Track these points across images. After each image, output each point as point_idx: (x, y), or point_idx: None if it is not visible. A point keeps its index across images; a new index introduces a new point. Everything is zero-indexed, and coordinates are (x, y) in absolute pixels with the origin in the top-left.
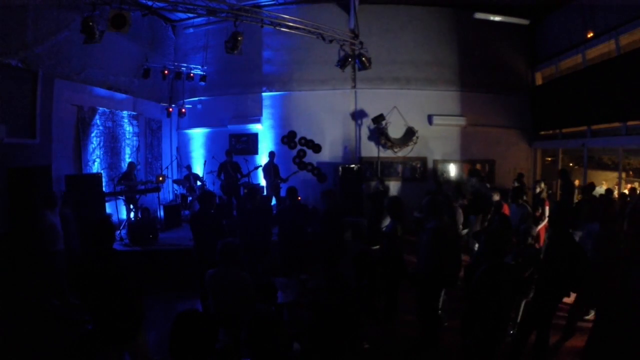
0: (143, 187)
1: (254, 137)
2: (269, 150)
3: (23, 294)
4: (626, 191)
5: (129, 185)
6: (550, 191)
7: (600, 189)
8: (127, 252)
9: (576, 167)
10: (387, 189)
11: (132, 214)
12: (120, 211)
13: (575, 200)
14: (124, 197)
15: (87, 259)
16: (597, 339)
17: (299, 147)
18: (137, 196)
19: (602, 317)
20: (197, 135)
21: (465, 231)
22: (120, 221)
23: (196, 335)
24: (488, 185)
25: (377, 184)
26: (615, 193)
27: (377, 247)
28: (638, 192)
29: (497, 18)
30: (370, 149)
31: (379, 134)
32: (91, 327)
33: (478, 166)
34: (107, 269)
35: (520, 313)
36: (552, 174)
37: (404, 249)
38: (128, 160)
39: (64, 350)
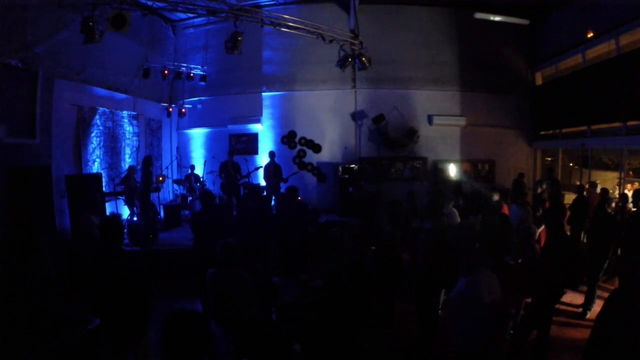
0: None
1: (254, 137)
2: (269, 150)
3: (23, 295)
4: (627, 191)
5: (129, 186)
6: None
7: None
8: (127, 252)
9: (576, 167)
10: (374, 192)
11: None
12: (120, 211)
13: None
14: (124, 198)
15: (96, 259)
16: (598, 338)
17: (299, 147)
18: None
19: (604, 316)
20: (197, 135)
21: None
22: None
23: (189, 335)
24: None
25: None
26: (616, 193)
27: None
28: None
29: (497, 18)
30: (370, 149)
31: (379, 134)
32: (92, 327)
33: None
34: (117, 269)
35: (521, 313)
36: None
37: (402, 250)
38: (128, 160)
39: (64, 351)
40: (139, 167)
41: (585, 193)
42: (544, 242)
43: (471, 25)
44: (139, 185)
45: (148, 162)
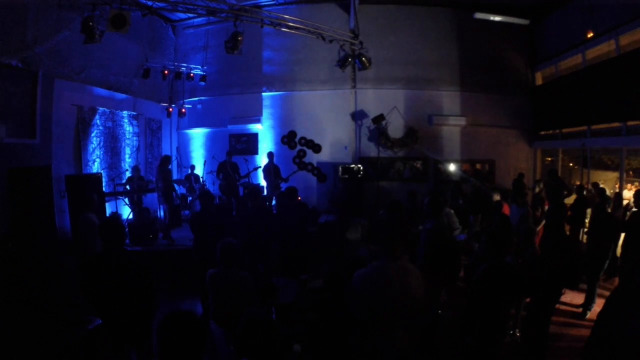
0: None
1: (254, 137)
2: (267, 151)
3: (24, 295)
4: (626, 191)
5: (139, 185)
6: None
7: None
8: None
9: (576, 167)
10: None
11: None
12: (120, 211)
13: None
14: (127, 198)
15: (98, 259)
16: (598, 338)
17: (299, 147)
18: (136, 196)
19: (604, 316)
20: (197, 135)
21: (457, 231)
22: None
23: (184, 337)
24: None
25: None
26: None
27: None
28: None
29: (497, 18)
30: (370, 149)
31: (379, 134)
32: (92, 327)
33: (478, 166)
34: (120, 269)
35: (521, 313)
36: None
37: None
38: (128, 160)
39: (64, 350)
40: (154, 166)
41: (585, 193)
42: (541, 239)
43: (471, 25)
44: (159, 183)
45: (166, 161)
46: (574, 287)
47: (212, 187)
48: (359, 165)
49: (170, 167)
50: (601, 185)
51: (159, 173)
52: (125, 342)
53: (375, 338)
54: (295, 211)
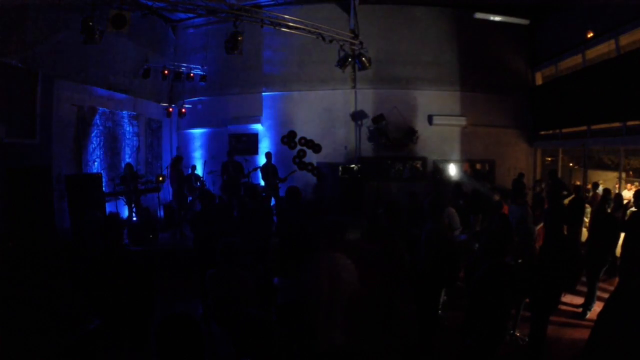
0: (143, 187)
1: (254, 137)
2: (265, 152)
3: (24, 295)
4: (626, 191)
5: (133, 184)
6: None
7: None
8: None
9: (576, 167)
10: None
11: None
12: (120, 211)
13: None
14: (124, 198)
15: (98, 258)
16: (598, 338)
17: (298, 147)
18: (133, 196)
19: (604, 316)
20: (197, 135)
21: (457, 231)
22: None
23: (181, 340)
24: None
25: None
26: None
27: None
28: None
29: (497, 18)
30: (370, 149)
31: (379, 134)
32: (93, 327)
33: (478, 166)
34: (119, 268)
35: (520, 312)
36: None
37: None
38: (128, 160)
39: (64, 350)
40: (165, 167)
41: (589, 193)
42: (542, 241)
43: (471, 25)
44: (174, 184)
45: (178, 162)
46: (571, 289)
47: (212, 187)
48: (359, 165)
49: (181, 167)
50: (601, 186)
51: (171, 173)
52: (125, 342)
53: (314, 335)
54: (295, 211)
